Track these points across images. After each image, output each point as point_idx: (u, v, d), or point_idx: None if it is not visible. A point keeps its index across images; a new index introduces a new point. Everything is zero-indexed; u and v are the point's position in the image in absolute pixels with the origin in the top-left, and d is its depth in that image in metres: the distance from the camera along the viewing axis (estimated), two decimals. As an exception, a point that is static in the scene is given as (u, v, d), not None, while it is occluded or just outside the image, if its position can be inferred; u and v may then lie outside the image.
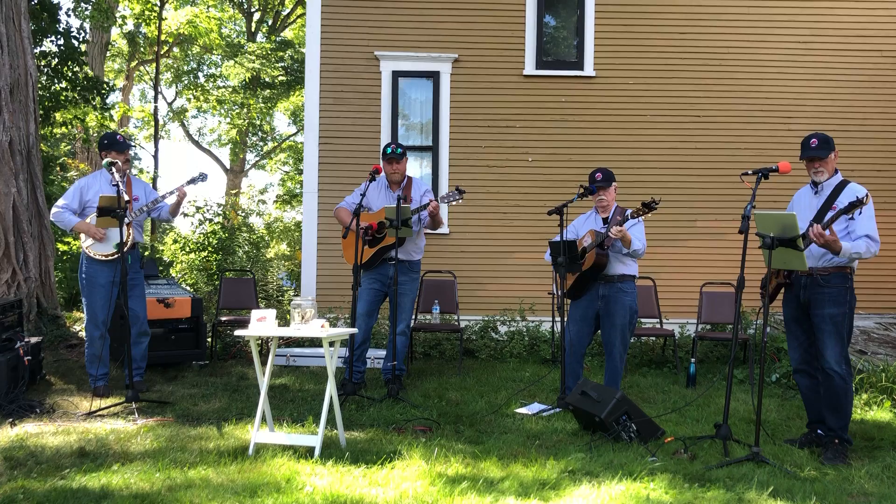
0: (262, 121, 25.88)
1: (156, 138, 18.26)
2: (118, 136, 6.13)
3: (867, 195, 4.37)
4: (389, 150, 6.29)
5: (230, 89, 24.50)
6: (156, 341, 6.80)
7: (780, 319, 5.24)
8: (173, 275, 11.05)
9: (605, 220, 5.83)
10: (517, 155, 9.02)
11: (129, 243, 5.88)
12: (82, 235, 6.05)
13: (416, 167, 9.13)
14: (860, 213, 4.43)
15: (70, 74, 11.69)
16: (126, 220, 5.79)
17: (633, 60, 9.05)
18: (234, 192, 22.20)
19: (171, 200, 6.19)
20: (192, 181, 6.17)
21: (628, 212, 5.61)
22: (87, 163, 16.39)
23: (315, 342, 7.61)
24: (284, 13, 24.57)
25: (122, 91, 22.65)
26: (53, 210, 6.09)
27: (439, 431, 5.02)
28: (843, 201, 4.55)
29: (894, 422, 5.47)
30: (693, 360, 6.92)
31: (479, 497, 3.71)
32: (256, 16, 25.05)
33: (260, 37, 24.48)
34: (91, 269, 6.00)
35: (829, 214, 4.52)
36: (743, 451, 4.55)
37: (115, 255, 5.90)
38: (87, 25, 15.80)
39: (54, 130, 12.88)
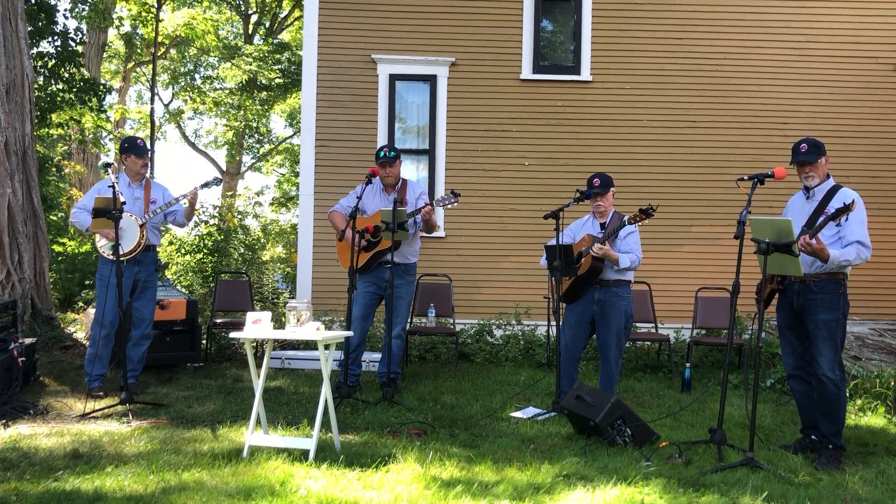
0: (259, 123, 25.86)
1: (152, 140, 18.23)
2: (138, 141, 6.34)
3: (854, 201, 4.36)
4: (382, 154, 6.29)
5: (227, 91, 24.49)
6: (151, 343, 6.79)
7: (775, 325, 5.25)
8: (168, 277, 11.02)
9: (602, 225, 5.84)
10: (513, 159, 9.03)
11: (142, 244, 6.08)
12: (97, 236, 6.14)
13: (413, 170, 9.14)
14: (846, 219, 4.43)
15: (67, 76, 11.68)
16: (139, 221, 6.05)
17: (629, 65, 9.07)
18: (230, 194, 22.19)
19: (183, 202, 6.32)
20: (206, 185, 6.35)
21: (625, 217, 5.62)
22: (83, 164, 16.36)
23: (310, 345, 7.59)
24: (282, 16, 24.57)
25: (118, 92, 22.61)
26: (72, 211, 6.30)
27: (434, 435, 5.01)
28: (834, 206, 4.56)
29: (888, 427, 5.49)
30: (688, 364, 6.93)
31: (474, 501, 3.71)
32: (253, 18, 25.04)
33: (257, 39, 24.47)
34: (105, 270, 6.11)
35: (820, 220, 4.53)
36: (737, 456, 4.56)
37: (129, 256, 6.02)
38: (83, 27, 15.79)
39: (50, 131, 12.86)
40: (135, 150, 6.24)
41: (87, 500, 3.66)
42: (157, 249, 6.45)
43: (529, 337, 8.26)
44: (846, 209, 4.30)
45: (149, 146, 6.44)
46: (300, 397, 6.14)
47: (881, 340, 7.69)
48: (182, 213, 6.39)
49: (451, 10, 9.10)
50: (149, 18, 17.57)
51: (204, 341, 7.73)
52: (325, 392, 4.52)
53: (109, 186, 5.80)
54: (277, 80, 22.94)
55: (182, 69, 25.89)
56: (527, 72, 9.08)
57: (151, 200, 6.25)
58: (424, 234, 6.64)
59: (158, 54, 19.85)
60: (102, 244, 6.09)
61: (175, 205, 6.30)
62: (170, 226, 7.20)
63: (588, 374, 7.26)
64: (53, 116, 12.01)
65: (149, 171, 6.51)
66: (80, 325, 8.97)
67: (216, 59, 24.45)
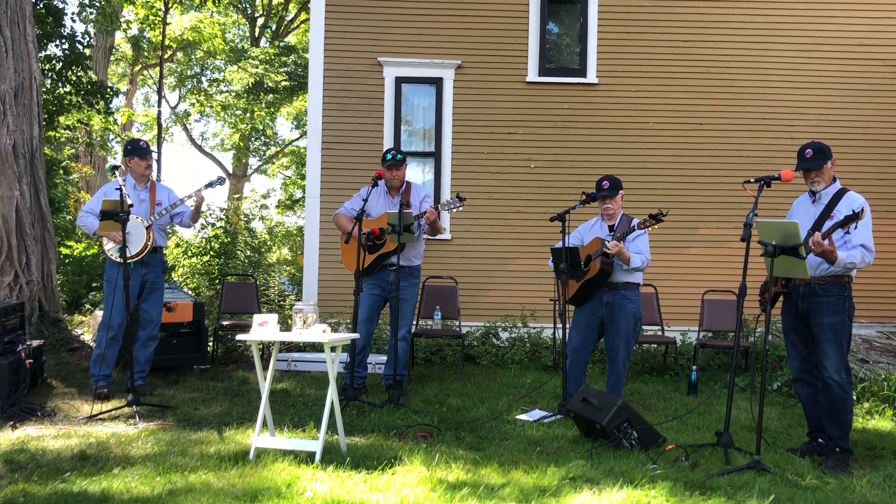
0: (265, 126, 25.92)
1: (159, 142, 18.33)
2: (141, 143, 6.42)
3: (863, 209, 4.35)
4: (389, 156, 6.30)
5: (233, 94, 24.56)
6: (157, 345, 6.81)
7: (781, 327, 5.26)
8: (175, 279, 11.06)
9: (610, 228, 5.82)
10: (519, 161, 9.03)
11: (149, 246, 6.13)
12: (104, 239, 6.19)
13: (419, 173, 9.15)
14: (855, 227, 4.42)
15: (74, 78, 11.74)
16: (145, 223, 6.10)
17: (635, 68, 9.06)
18: (236, 196, 22.26)
19: (189, 204, 6.35)
20: (211, 185, 6.38)
21: (634, 221, 5.60)
22: (90, 166, 16.43)
23: (316, 347, 7.61)
24: (288, 19, 24.62)
25: (125, 95, 22.72)
26: (79, 214, 6.35)
27: (440, 437, 5.02)
28: (841, 210, 4.56)
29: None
30: (694, 367, 6.91)
31: (480, 503, 3.71)
32: (260, 21, 25.10)
33: (263, 42, 24.53)
34: (112, 273, 6.17)
35: (827, 225, 4.51)
36: (744, 459, 4.54)
37: (136, 258, 6.07)
38: (91, 30, 15.87)
39: (58, 134, 12.92)
40: (138, 152, 6.30)
41: (94, 501, 3.67)
42: (164, 251, 6.49)
43: (535, 339, 8.25)
44: (855, 217, 4.28)
45: (152, 148, 6.48)
46: (306, 399, 6.14)
47: (889, 343, 7.66)
48: (188, 214, 6.44)
49: (457, 12, 9.11)
50: (156, 22, 17.66)
51: (210, 343, 7.75)
52: (331, 394, 4.52)
53: (116, 189, 5.83)
54: (284, 83, 22.99)
55: (189, 72, 25.98)
56: (533, 74, 9.08)
57: (157, 202, 6.30)
58: (431, 237, 6.64)
59: (165, 57, 19.92)
60: (110, 247, 6.13)
61: (181, 206, 6.35)
62: (176, 227, 7.24)
63: (595, 377, 7.25)
64: (61, 119, 12.08)
65: (153, 172, 6.54)
66: (87, 328, 9.00)
67: (223, 61, 24.52)
